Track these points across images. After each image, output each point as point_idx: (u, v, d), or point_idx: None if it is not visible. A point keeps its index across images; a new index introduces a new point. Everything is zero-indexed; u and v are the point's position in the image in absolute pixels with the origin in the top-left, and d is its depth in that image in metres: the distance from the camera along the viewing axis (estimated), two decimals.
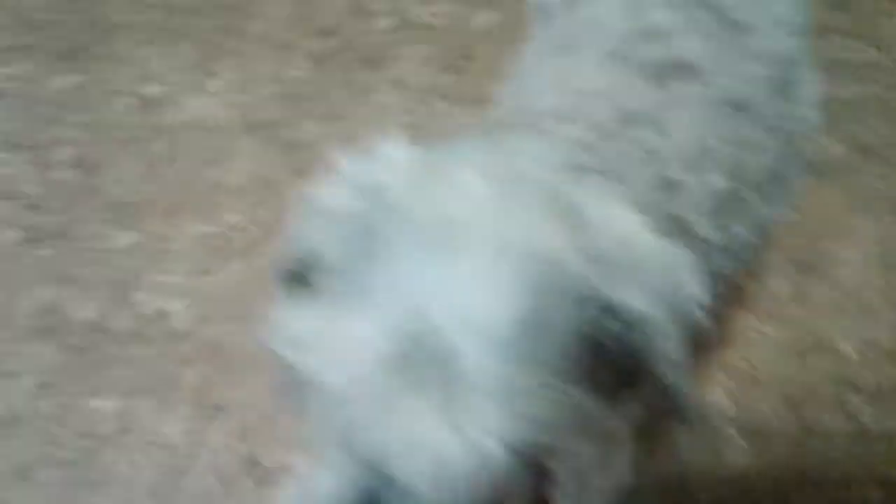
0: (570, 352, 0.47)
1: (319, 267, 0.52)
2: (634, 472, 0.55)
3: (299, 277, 0.55)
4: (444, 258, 0.46)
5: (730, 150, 0.77)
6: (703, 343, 0.63)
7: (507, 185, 0.51)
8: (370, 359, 0.43)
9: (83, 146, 1.61)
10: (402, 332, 0.43)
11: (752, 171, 0.81)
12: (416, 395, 0.42)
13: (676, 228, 0.59)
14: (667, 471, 1.16)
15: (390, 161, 0.54)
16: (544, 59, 0.87)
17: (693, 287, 0.53)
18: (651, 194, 0.64)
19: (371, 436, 0.44)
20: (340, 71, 1.74)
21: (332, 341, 0.45)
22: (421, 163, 0.53)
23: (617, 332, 0.48)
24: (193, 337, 1.31)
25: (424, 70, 1.75)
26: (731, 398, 1.26)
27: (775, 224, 0.97)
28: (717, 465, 1.19)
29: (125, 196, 1.53)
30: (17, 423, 1.23)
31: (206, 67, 1.76)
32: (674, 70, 0.77)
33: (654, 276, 0.51)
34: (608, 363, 0.49)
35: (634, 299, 0.48)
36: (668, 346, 0.50)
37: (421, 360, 0.43)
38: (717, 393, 1.26)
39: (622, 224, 0.52)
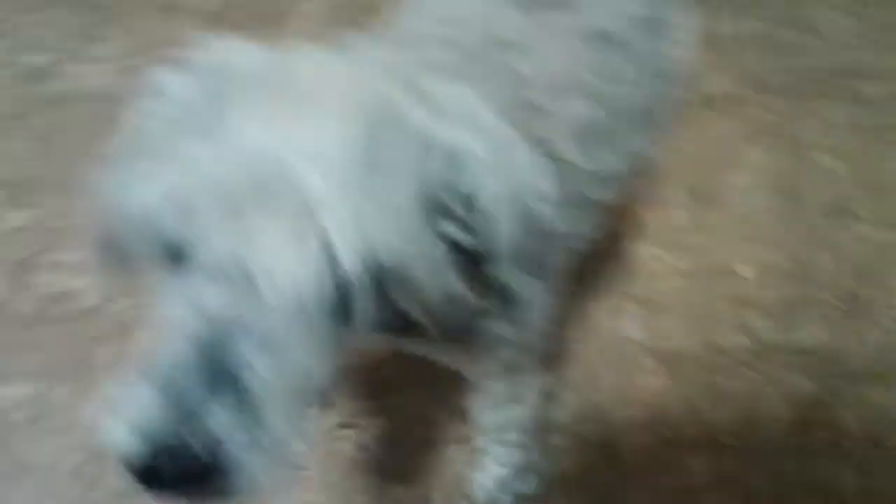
0: (415, 194, 0.52)
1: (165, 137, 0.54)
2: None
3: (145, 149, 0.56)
4: (292, 109, 0.50)
5: (598, 81, 0.81)
6: (552, 241, 0.68)
7: (362, 62, 0.56)
8: (219, 183, 0.47)
9: None
10: (251, 165, 0.47)
11: (621, 104, 0.86)
12: (266, 216, 0.47)
13: (539, 148, 0.63)
14: (584, 400, 1.23)
15: (239, 46, 0.57)
16: None
17: (533, 175, 0.59)
18: (513, 113, 0.66)
19: (222, 247, 0.47)
20: (235, 30, 1.69)
21: (181, 175, 0.49)
22: (270, 48, 0.57)
23: (452, 181, 0.54)
24: (102, 314, 1.27)
25: (324, 28, 1.71)
26: (642, 326, 1.32)
27: (655, 156, 1.02)
28: (632, 387, 1.25)
29: (14, 174, 1.45)
30: None
31: (89, 33, 1.67)
32: (546, 0, 0.80)
33: (492, 148, 0.56)
34: (453, 218, 0.55)
35: (471, 156, 0.55)
36: (502, 212, 0.56)
37: (271, 191, 0.47)
38: (629, 322, 1.32)
39: (465, 101, 0.57)
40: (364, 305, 0.51)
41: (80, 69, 1.61)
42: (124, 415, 0.47)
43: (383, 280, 0.51)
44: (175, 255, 0.51)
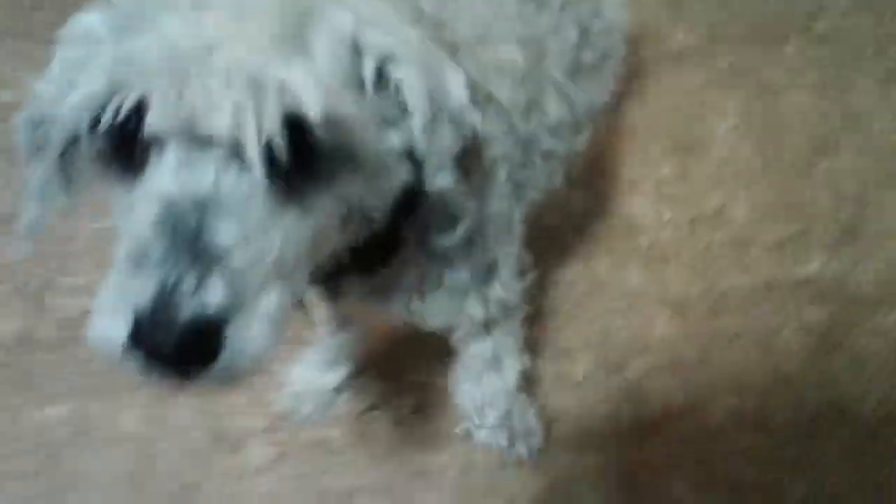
0: (345, 78, 0.55)
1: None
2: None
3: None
4: (224, 10, 0.51)
5: (529, 31, 0.86)
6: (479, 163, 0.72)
7: None
8: (164, 59, 0.49)
9: None
10: (194, 41, 0.49)
11: (555, 55, 0.90)
12: (215, 80, 0.48)
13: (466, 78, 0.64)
14: (600, 350, 1.27)
15: None
16: None
17: (459, 90, 0.61)
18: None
19: (176, 110, 0.49)
20: None
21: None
22: None
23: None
24: None
25: None
26: (647, 278, 1.37)
27: (603, 110, 1.06)
28: (644, 337, 1.30)
29: (11, 207, 1.44)
30: None
31: None
32: None
33: (419, 55, 0.59)
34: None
35: (399, 57, 0.57)
36: (429, 111, 0.58)
37: (216, 62, 0.48)
38: (634, 275, 1.37)
39: (391, 17, 0.60)
40: (321, 166, 0.53)
41: None
42: (111, 308, 0.49)
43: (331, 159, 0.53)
44: (125, 155, 0.52)
